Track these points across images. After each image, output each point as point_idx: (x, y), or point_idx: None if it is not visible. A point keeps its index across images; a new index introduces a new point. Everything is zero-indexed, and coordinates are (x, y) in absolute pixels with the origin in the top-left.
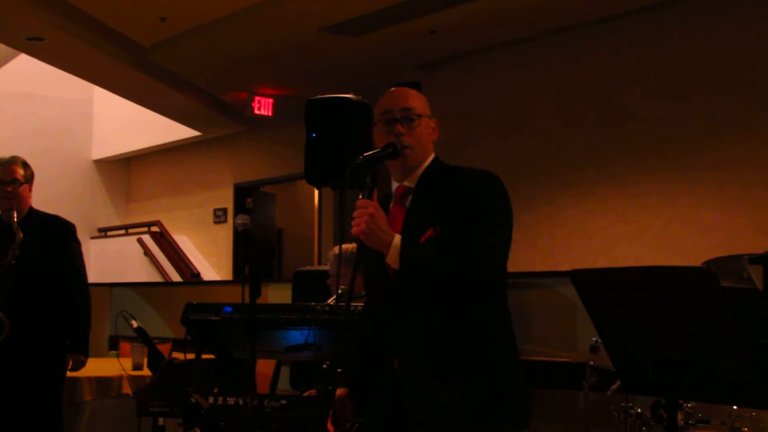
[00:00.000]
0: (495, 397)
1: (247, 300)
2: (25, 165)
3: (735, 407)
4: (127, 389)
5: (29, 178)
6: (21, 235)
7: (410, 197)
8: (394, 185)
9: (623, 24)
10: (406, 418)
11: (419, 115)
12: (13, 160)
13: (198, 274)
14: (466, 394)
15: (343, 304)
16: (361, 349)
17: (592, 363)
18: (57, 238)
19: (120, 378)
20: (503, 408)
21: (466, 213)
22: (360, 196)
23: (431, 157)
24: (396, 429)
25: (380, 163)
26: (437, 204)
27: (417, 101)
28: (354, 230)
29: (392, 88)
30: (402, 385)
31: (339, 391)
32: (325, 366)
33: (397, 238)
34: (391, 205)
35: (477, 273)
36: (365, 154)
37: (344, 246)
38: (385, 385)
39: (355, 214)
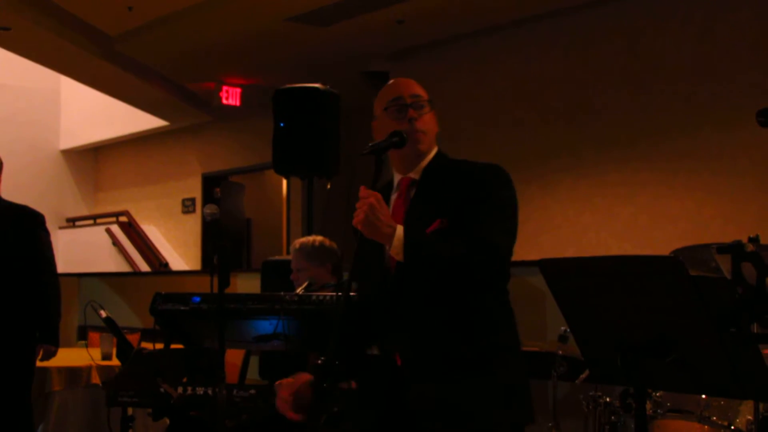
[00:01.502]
0: (506, 391)
1: (215, 290)
2: None
3: (704, 396)
4: (96, 379)
5: None
6: None
7: (414, 189)
8: (397, 177)
9: (593, 14)
10: (404, 413)
11: (429, 101)
12: None
13: (166, 264)
14: (478, 389)
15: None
16: (338, 338)
17: (560, 352)
18: (26, 229)
19: (89, 368)
20: (514, 402)
21: (473, 204)
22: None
23: (435, 149)
24: (392, 425)
25: (385, 153)
26: (443, 196)
27: (423, 90)
28: (354, 221)
29: (394, 79)
30: (406, 380)
31: (303, 377)
32: (319, 362)
33: (400, 230)
34: (395, 196)
35: (485, 260)
36: (371, 144)
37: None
38: (380, 379)
39: (357, 204)
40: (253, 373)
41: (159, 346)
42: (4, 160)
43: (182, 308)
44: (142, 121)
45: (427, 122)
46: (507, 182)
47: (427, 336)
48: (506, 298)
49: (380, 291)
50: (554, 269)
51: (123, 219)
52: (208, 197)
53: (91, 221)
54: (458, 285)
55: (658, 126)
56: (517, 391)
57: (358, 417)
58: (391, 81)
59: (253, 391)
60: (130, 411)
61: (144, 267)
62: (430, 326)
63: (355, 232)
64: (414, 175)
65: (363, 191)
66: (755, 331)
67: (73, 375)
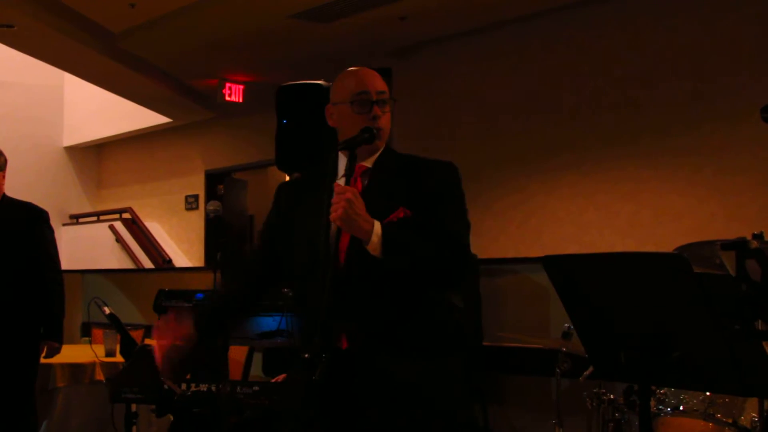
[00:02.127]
0: (453, 378)
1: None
2: None
3: (708, 393)
4: (99, 376)
5: (2, 165)
6: None
7: (367, 178)
8: (344, 163)
9: (596, 10)
10: (348, 397)
11: (393, 99)
12: None
13: (170, 261)
14: (425, 372)
15: None
16: (324, 330)
17: (564, 349)
18: (30, 226)
19: (93, 365)
20: (459, 390)
21: (432, 198)
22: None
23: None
24: (336, 411)
25: (357, 148)
26: (397, 187)
27: (385, 84)
28: (332, 216)
29: (356, 68)
30: (352, 362)
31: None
32: (306, 356)
33: (378, 225)
34: (343, 181)
35: (454, 254)
36: (343, 141)
37: None
38: (318, 362)
39: (333, 200)
40: (256, 370)
41: None
42: (7, 157)
43: (186, 305)
44: (146, 118)
45: (388, 120)
46: (460, 180)
47: (376, 318)
48: (476, 290)
49: (325, 276)
50: (557, 266)
51: (126, 216)
52: (211, 194)
53: (94, 218)
54: (428, 279)
55: (661, 122)
56: (458, 378)
57: (295, 411)
58: (353, 69)
59: (256, 388)
60: (133, 407)
61: (147, 264)
62: (380, 309)
63: (326, 228)
64: (367, 164)
65: (339, 187)
66: (759, 327)
67: (77, 371)
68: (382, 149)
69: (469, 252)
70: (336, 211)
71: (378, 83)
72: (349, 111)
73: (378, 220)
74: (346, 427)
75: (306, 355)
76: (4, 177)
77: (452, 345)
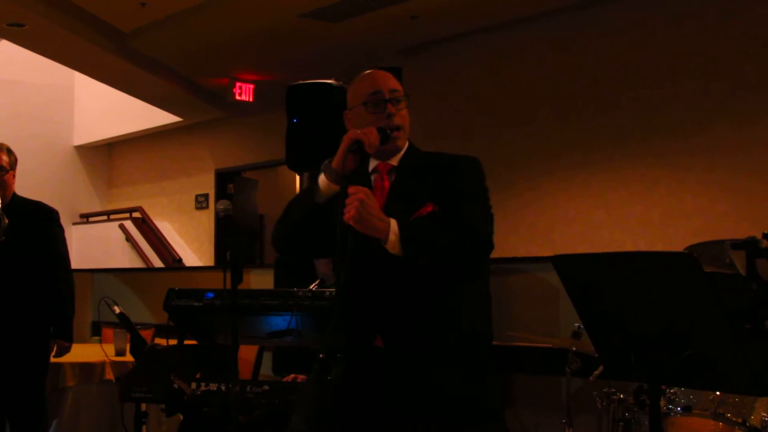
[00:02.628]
0: (483, 378)
1: (229, 286)
2: (9, 152)
3: (718, 393)
4: (109, 375)
5: (13, 164)
6: (6, 221)
7: (394, 175)
8: (373, 163)
9: (608, 10)
10: (383, 397)
11: (406, 96)
12: None
13: (180, 260)
14: (459, 374)
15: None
16: (337, 331)
17: (574, 349)
18: (41, 225)
19: (103, 364)
20: (491, 389)
21: (458, 193)
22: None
23: (406, 144)
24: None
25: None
26: (423, 183)
27: (400, 84)
28: (345, 217)
29: (369, 71)
30: (388, 362)
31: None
32: (321, 356)
33: (394, 223)
34: (375, 178)
35: (476, 246)
36: (354, 142)
37: None
38: (333, 363)
39: (347, 201)
40: (266, 369)
41: (172, 342)
42: (18, 157)
43: (195, 304)
44: (156, 117)
45: (405, 117)
46: (484, 174)
47: (411, 319)
48: (487, 290)
49: (360, 276)
50: (568, 265)
51: (136, 215)
52: (221, 193)
53: (104, 217)
54: (449, 271)
55: (672, 122)
56: (491, 378)
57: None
58: (366, 72)
59: (266, 387)
60: (143, 407)
61: (157, 263)
62: (415, 310)
63: (343, 230)
64: (393, 162)
65: (352, 188)
66: None
67: (87, 371)
68: (407, 148)
69: (491, 242)
70: (349, 212)
71: (391, 82)
72: (364, 113)
73: (406, 216)
74: (377, 427)
75: (321, 356)
76: (14, 176)
77: (482, 342)
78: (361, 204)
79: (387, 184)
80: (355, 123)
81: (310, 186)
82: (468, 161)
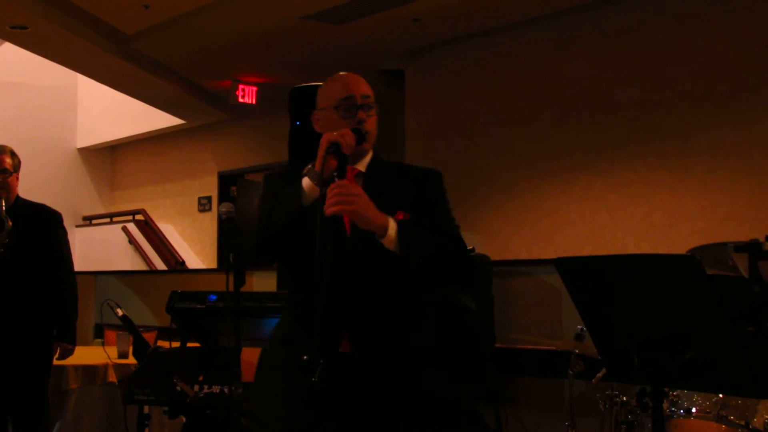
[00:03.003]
0: (460, 385)
1: (231, 288)
2: (13, 154)
3: (721, 395)
4: (112, 377)
5: (17, 167)
6: (10, 223)
7: (361, 180)
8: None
9: (609, 11)
10: (345, 403)
11: (377, 103)
12: (2, 150)
13: (183, 263)
14: (435, 379)
15: None
16: (321, 334)
17: (577, 351)
18: (44, 227)
19: (105, 366)
20: (466, 398)
21: (429, 204)
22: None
23: (370, 152)
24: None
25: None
26: (392, 191)
27: (371, 89)
28: (338, 208)
29: (343, 73)
30: (354, 362)
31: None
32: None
33: (392, 219)
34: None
35: (459, 252)
36: (333, 143)
37: None
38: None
39: (334, 192)
40: None
41: (175, 344)
42: (21, 159)
43: (198, 306)
44: (159, 119)
45: (373, 124)
46: (445, 187)
47: (381, 320)
48: (489, 293)
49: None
50: (570, 268)
51: (139, 217)
52: (224, 195)
53: (107, 219)
54: (438, 276)
55: (674, 123)
56: (466, 384)
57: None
58: (339, 75)
59: None
60: (146, 409)
61: (160, 265)
62: (385, 310)
63: (322, 230)
64: (359, 167)
65: (340, 182)
66: None
67: (90, 373)
68: (371, 155)
69: (468, 252)
70: (350, 204)
71: (363, 88)
72: (335, 116)
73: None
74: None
75: (305, 357)
76: (17, 178)
77: (462, 348)
78: (359, 197)
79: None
80: (323, 125)
81: (290, 191)
82: (434, 174)
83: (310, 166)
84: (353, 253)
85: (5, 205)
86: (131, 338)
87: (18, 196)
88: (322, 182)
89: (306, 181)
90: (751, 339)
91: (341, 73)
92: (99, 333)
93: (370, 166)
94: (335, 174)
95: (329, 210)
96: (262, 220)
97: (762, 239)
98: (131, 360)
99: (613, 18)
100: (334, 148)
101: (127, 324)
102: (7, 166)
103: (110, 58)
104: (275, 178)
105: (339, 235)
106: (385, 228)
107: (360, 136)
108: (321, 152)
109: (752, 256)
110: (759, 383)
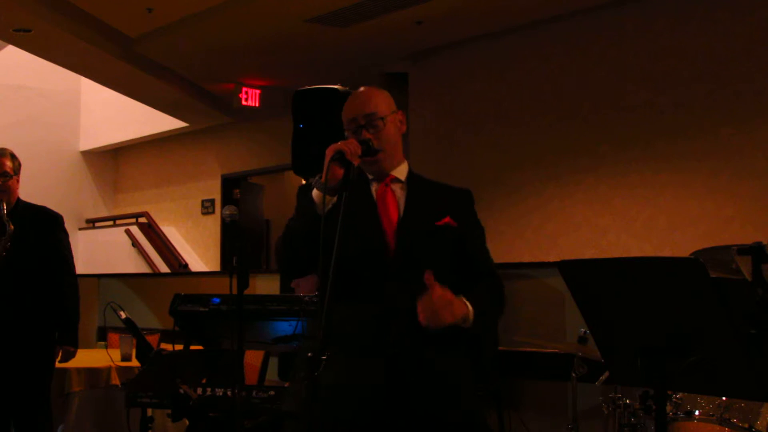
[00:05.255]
0: (471, 377)
1: (235, 291)
2: (13, 157)
3: (724, 398)
4: (115, 380)
5: (17, 169)
6: (12, 227)
7: (399, 185)
8: (371, 175)
9: (614, 13)
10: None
11: (382, 118)
12: (2, 153)
13: (186, 265)
14: (464, 371)
15: None
16: (326, 331)
17: (580, 354)
18: (45, 230)
19: (108, 369)
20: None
21: (467, 227)
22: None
23: (405, 162)
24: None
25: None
26: (432, 202)
27: (379, 102)
28: (442, 319)
29: (357, 91)
30: (405, 360)
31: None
32: (309, 354)
33: (470, 305)
34: (378, 186)
35: (504, 295)
36: (338, 152)
37: None
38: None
39: (425, 306)
40: (272, 374)
41: (178, 347)
42: (24, 162)
43: (201, 309)
44: (162, 122)
45: (386, 136)
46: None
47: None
48: None
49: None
50: (574, 271)
51: (142, 220)
52: (227, 198)
53: (110, 222)
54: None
55: (678, 126)
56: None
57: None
58: (355, 93)
59: (272, 392)
60: (149, 412)
61: (163, 268)
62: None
63: (340, 235)
64: (397, 174)
65: (431, 296)
66: None
67: (93, 376)
68: (407, 166)
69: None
70: (446, 318)
71: (365, 106)
72: (349, 135)
73: (426, 226)
74: (395, 422)
75: (309, 354)
76: (18, 181)
77: (465, 351)
78: (449, 304)
79: (390, 191)
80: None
81: (305, 203)
82: (469, 195)
83: (317, 177)
84: (396, 276)
85: (6, 209)
86: (134, 341)
87: (19, 199)
88: (332, 190)
89: (316, 192)
90: (755, 342)
91: (359, 89)
92: (102, 336)
93: (409, 176)
94: (341, 182)
95: (424, 323)
96: (285, 234)
97: (765, 242)
98: (134, 363)
99: (617, 20)
100: (338, 155)
101: (130, 327)
102: (7, 169)
103: (114, 61)
104: (302, 190)
105: (381, 257)
106: (467, 317)
107: (367, 147)
108: (326, 161)
109: (755, 259)
110: (762, 386)
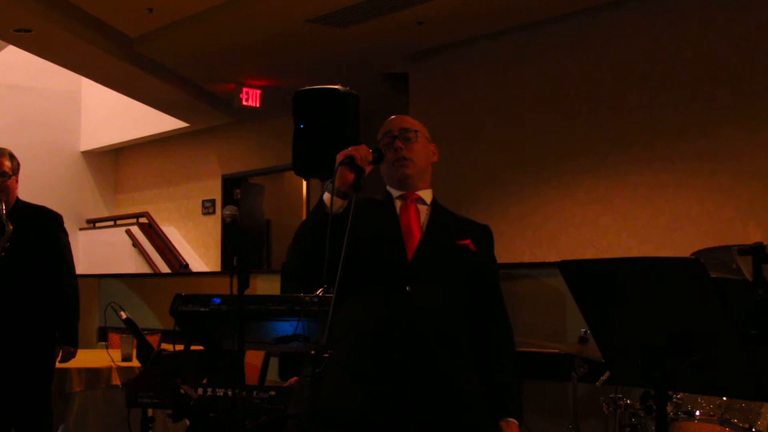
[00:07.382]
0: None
1: (235, 291)
2: (12, 157)
3: (725, 398)
4: (116, 380)
5: (16, 169)
6: (11, 227)
7: (428, 209)
8: (396, 194)
9: (613, 15)
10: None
11: (416, 131)
12: (1, 152)
13: (186, 266)
14: (474, 380)
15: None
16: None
17: (581, 354)
18: (45, 229)
19: (109, 369)
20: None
21: (485, 264)
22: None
23: (431, 189)
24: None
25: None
26: (455, 228)
27: (417, 124)
28: None
29: (392, 117)
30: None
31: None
32: (312, 352)
33: (513, 420)
34: (401, 202)
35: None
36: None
37: None
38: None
39: None
40: (272, 375)
41: (179, 347)
42: (24, 162)
43: (202, 309)
44: (162, 122)
45: (417, 150)
46: None
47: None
48: None
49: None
50: (574, 271)
51: (143, 220)
52: (227, 198)
53: (111, 222)
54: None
55: (678, 127)
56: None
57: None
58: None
59: (272, 393)
60: (150, 412)
61: (164, 268)
62: (442, 360)
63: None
64: (422, 195)
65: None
66: None
67: (94, 376)
68: (433, 195)
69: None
70: None
71: (402, 123)
72: (383, 148)
73: (447, 243)
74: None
75: (312, 352)
76: (17, 181)
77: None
78: None
79: (415, 207)
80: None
81: (315, 207)
82: (489, 231)
83: (329, 181)
84: (414, 308)
85: (5, 209)
86: (135, 341)
87: (18, 199)
88: (342, 193)
89: (326, 195)
90: (755, 342)
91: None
92: (103, 336)
93: (433, 201)
94: (352, 186)
95: None
96: (295, 236)
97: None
98: (135, 363)
99: (617, 21)
100: (348, 160)
101: (130, 327)
102: (6, 169)
103: (114, 61)
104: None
105: (400, 290)
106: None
107: (379, 154)
108: (336, 165)
109: (756, 259)
110: (763, 386)
